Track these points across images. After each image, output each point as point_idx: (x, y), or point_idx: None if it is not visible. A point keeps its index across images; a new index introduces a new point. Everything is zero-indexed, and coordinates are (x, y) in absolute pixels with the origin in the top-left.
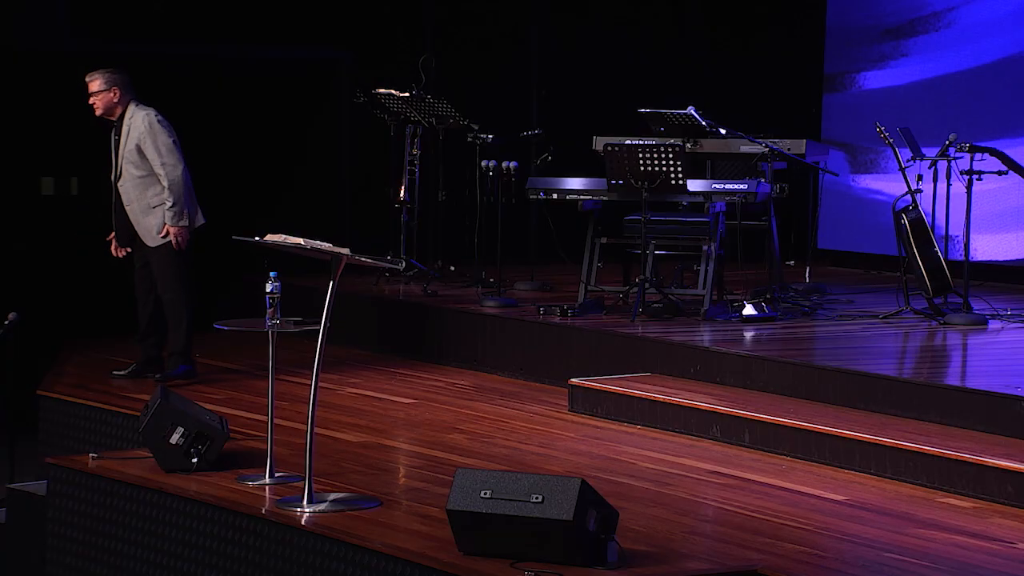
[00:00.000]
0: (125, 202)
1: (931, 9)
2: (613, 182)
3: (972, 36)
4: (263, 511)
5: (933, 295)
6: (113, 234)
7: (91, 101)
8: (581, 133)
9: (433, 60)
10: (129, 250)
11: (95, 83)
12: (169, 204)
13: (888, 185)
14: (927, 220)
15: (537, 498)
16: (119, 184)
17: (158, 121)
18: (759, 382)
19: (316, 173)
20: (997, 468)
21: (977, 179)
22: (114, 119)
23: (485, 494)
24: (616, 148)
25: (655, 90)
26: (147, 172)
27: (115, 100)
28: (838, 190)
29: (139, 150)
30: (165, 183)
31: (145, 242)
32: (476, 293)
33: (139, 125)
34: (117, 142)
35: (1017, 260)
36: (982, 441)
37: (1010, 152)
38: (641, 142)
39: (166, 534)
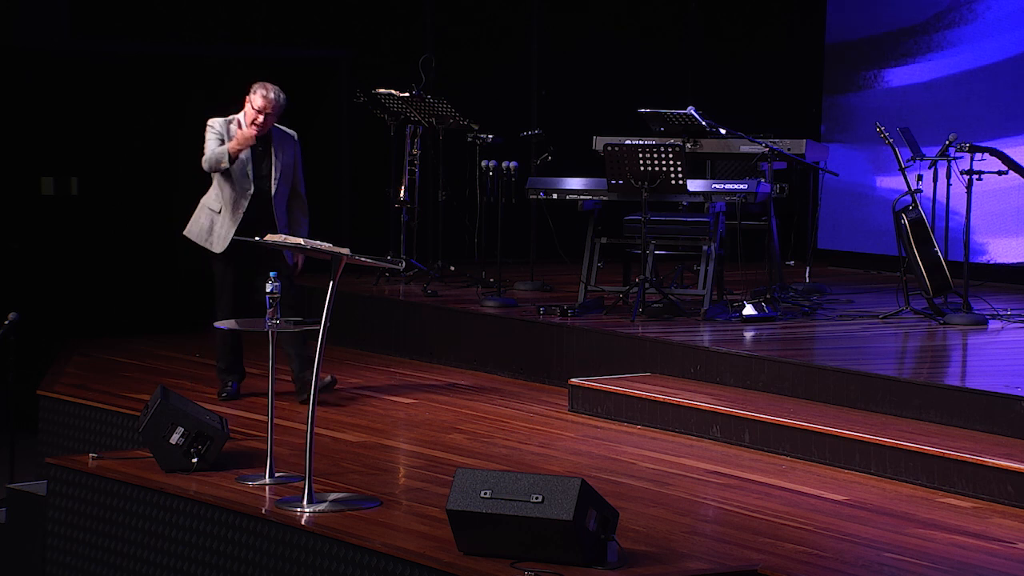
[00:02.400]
0: (277, 217)
1: (935, 10)
2: (613, 182)
3: (992, 32)
4: (263, 511)
5: (933, 295)
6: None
7: (264, 119)
8: (581, 133)
9: (433, 60)
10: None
11: (276, 98)
12: (306, 229)
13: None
14: (927, 220)
15: (537, 498)
16: (274, 197)
17: None
18: (759, 382)
19: (316, 173)
20: (997, 468)
21: (977, 179)
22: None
23: (485, 494)
24: (616, 148)
25: (655, 90)
26: (290, 190)
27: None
28: (856, 191)
29: (292, 169)
30: (304, 203)
31: (286, 259)
32: (476, 293)
33: (291, 145)
34: (260, 153)
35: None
36: (982, 441)
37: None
38: (641, 142)
39: (166, 534)
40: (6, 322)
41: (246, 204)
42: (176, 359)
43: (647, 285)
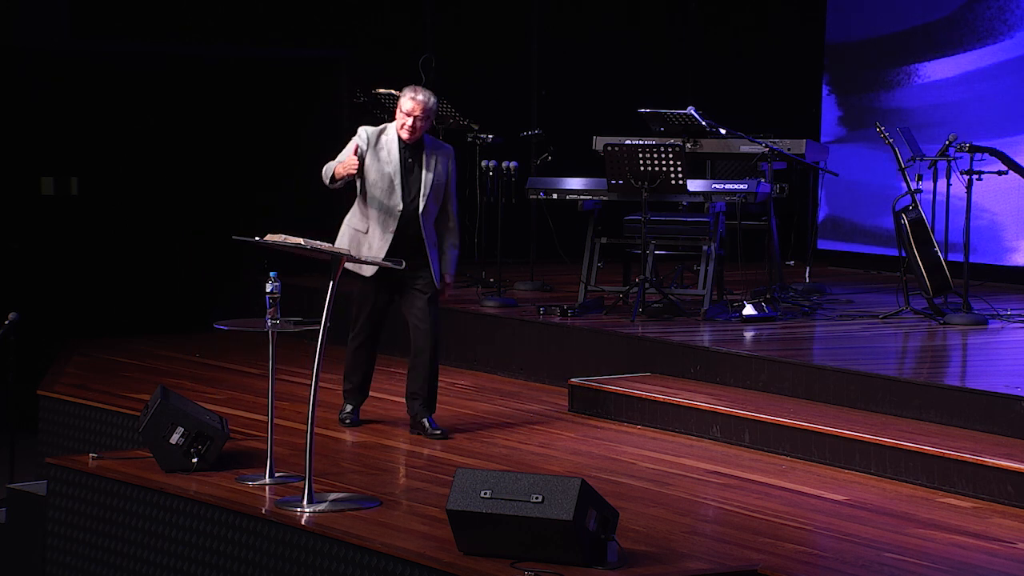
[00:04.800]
0: (425, 236)
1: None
2: (613, 182)
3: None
4: (263, 511)
5: (933, 295)
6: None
7: (413, 124)
8: (581, 133)
9: (433, 60)
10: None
11: (426, 100)
12: (456, 251)
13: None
14: (927, 220)
15: (537, 498)
16: (422, 214)
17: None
18: (759, 382)
19: (316, 173)
20: (997, 468)
21: (977, 179)
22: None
23: (485, 494)
24: (616, 148)
25: (655, 90)
26: (440, 208)
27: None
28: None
29: (443, 185)
30: (455, 224)
31: (433, 280)
32: (476, 293)
33: (445, 158)
34: (409, 164)
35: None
36: (982, 441)
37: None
38: (641, 142)
39: (166, 534)
40: (6, 322)
41: (395, 224)
42: (176, 359)
43: (647, 285)
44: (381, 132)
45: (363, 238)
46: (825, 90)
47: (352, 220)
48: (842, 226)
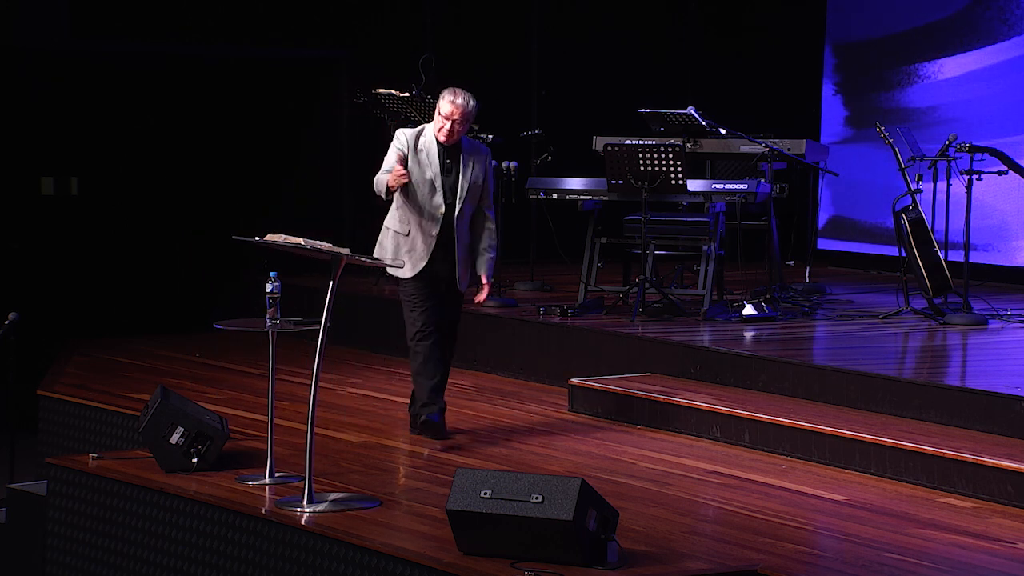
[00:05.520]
0: (457, 238)
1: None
2: (613, 182)
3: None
4: (263, 511)
5: (933, 295)
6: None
7: (451, 127)
8: (581, 133)
9: (433, 60)
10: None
11: (465, 103)
12: (493, 253)
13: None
14: (927, 220)
15: (537, 498)
16: (457, 217)
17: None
18: (759, 382)
19: (316, 173)
20: (997, 468)
21: (977, 179)
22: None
23: (485, 494)
24: (616, 148)
25: (655, 90)
26: (476, 210)
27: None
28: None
29: (480, 187)
30: (493, 225)
31: (458, 287)
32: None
33: (482, 159)
34: (448, 166)
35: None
36: (982, 441)
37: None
38: (641, 142)
39: (166, 534)
40: (6, 322)
41: (438, 226)
42: (176, 359)
43: (647, 285)
44: (419, 134)
45: (404, 240)
46: (832, 90)
47: (392, 223)
48: (849, 226)
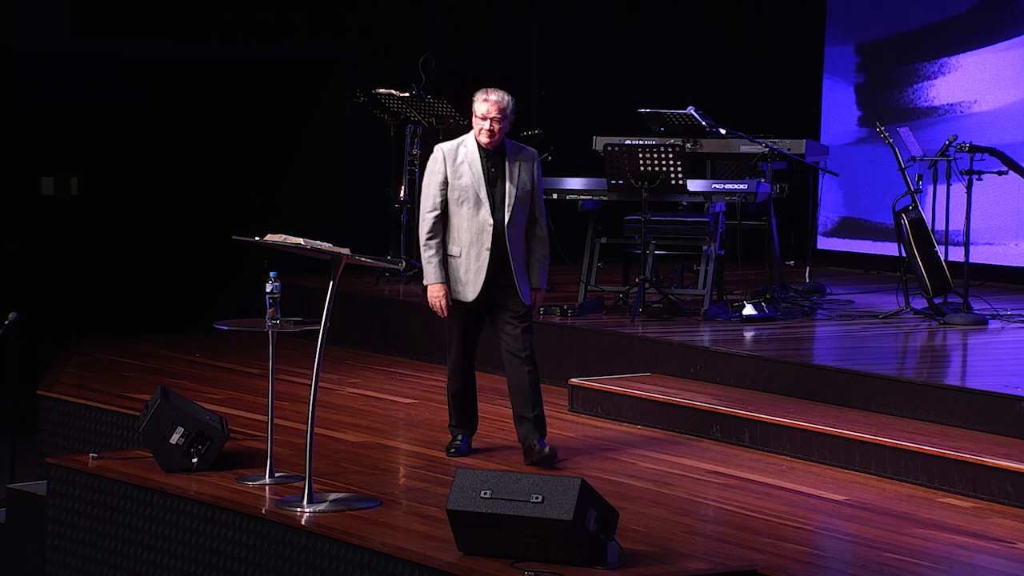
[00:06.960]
0: (511, 250)
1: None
2: (613, 182)
3: None
4: (263, 511)
5: (933, 295)
6: (444, 289)
7: (496, 126)
8: (581, 133)
9: (433, 60)
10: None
11: (501, 100)
12: (547, 261)
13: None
14: (927, 220)
15: (537, 498)
16: (507, 227)
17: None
18: (759, 382)
19: (316, 173)
20: (997, 468)
21: (977, 179)
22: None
23: (485, 494)
24: (616, 148)
25: (655, 90)
26: (528, 217)
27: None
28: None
29: (529, 193)
30: (544, 232)
31: (522, 298)
32: None
33: (529, 163)
34: (492, 175)
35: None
36: (982, 441)
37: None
38: (641, 142)
39: (166, 534)
40: (6, 322)
41: (489, 240)
42: (176, 359)
43: (647, 285)
44: (459, 146)
45: (456, 261)
46: (847, 90)
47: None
48: (863, 227)
